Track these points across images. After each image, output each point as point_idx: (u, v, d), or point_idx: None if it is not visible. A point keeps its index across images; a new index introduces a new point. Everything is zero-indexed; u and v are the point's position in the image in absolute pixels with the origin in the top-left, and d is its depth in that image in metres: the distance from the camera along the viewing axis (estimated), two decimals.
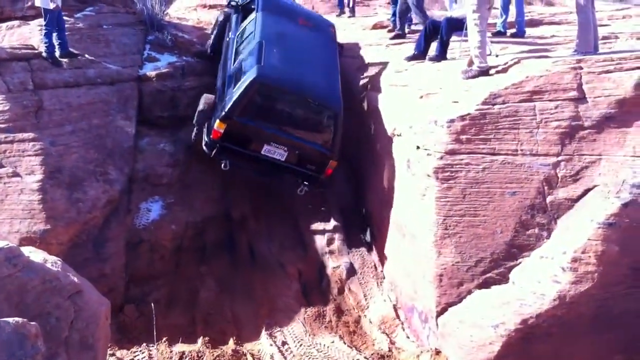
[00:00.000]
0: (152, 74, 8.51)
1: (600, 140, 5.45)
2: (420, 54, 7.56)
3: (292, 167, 7.16)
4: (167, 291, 6.92)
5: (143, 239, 7.13)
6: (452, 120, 5.71)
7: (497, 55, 6.82)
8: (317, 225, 7.74)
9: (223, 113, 6.83)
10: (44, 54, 7.51)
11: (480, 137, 5.63)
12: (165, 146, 8.08)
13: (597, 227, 5.00)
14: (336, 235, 7.58)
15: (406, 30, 9.38)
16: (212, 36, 9.39)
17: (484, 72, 6.31)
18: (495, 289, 5.44)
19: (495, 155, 5.59)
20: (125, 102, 7.92)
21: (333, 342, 6.32)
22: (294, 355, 6.10)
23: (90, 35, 8.47)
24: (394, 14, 9.73)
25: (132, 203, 7.33)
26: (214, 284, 7.05)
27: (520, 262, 5.43)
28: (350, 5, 11.99)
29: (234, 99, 6.79)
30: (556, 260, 5.12)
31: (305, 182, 7.29)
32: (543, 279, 5.14)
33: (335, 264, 7.32)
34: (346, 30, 10.38)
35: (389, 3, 11.45)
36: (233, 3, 8.99)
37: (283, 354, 6.09)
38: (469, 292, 5.56)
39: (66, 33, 7.78)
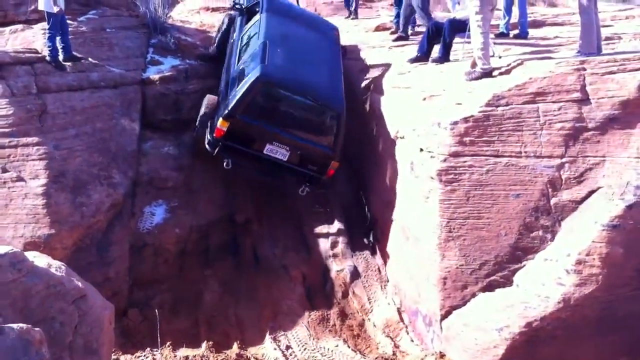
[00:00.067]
0: (156, 77, 8.51)
1: (604, 142, 5.43)
2: (423, 56, 7.56)
3: (294, 167, 7.16)
4: (171, 295, 6.91)
5: (147, 243, 7.12)
6: (455, 122, 5.70)
7: (500, 57, 6.81)
8: (320, 228, 7.73)
9: (226, 111, 6.85)
10: (47, 58, 7.51)
11: (484, 139, 5.63)
12: (169, 149, 8.09)
13: (602, 229, 4.99)
14: (340, 239, 7.57)
15: (409, 32, 9.37)
16: (217, 39, 9.41)
17: (487, 73, 6.30)
18: (500, 292, 5.42)
19: (499, 157, 5.58)
20: (129, 105, 7.92)
21: (337, 345, 6.30)
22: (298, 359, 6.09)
23: (93, 39, 8.47)
24: (396, 16, 9.71)
25: (136, 207, 7.33)
26: (218, 288, 7.04)
27: (524, 265, 5.42)
28: (353, 7, 11.97)
29: (237, 97, 6.81)
30: (560, 263, 5.11)
31: (307, 183, 7.29)
32: (547, 282, 5.13)
33: (339, 267, 7.31)
34: (349, 32, 10.37)
35: (391, 5, 11.42)
36: (237, 6, 9.02)
37: (287, 358, 6.08)
38: (473, 295, 5.54)
39: (70, 37, 7.78)
